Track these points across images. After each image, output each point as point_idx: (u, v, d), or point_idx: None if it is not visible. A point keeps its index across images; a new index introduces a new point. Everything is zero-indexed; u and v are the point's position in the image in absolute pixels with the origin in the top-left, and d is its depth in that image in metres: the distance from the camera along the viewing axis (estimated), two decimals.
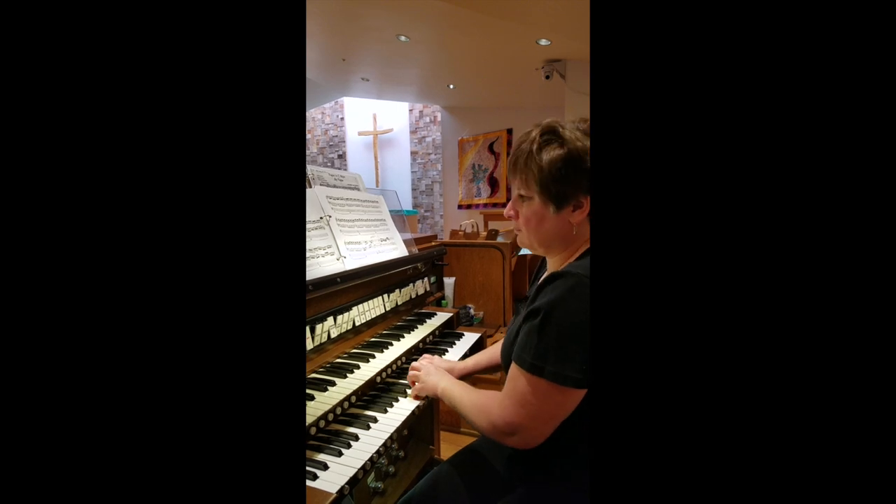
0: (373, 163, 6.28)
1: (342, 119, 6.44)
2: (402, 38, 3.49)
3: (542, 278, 0.73)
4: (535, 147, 0.72)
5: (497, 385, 1.94)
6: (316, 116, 6.57)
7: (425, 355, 1.09)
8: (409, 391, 0.97)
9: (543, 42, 3.42)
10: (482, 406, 0.76)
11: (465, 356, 1.25)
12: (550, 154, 0.71)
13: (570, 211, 0.72)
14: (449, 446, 1.69)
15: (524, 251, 2.34)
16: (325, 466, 0.70)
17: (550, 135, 0.72)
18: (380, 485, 1.30)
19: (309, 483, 0.66)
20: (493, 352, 1.10)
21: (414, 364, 0.99)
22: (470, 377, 1.06)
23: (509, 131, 5.45)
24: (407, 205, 6.16)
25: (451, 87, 4.89)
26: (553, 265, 0.81)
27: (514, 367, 0.71)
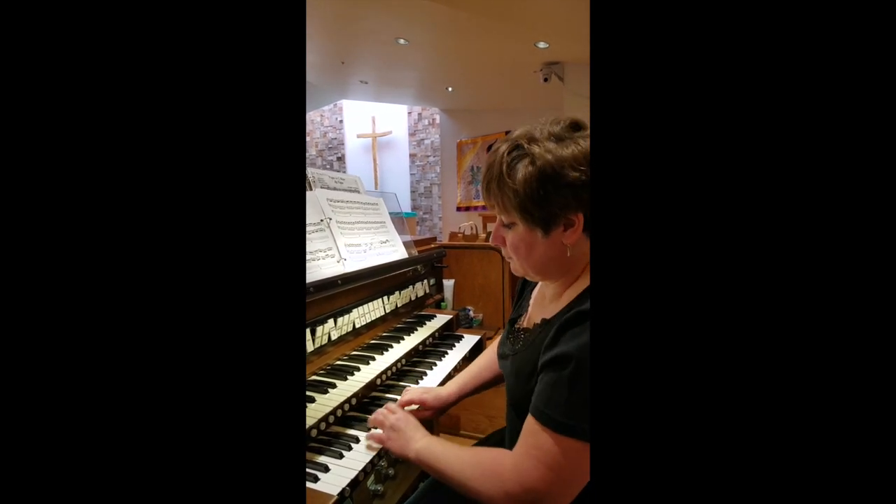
0: (371, 165, 6.28)
1: (341, 122, 6.45)
2: (401, 40, 3.50)
3: (567, 318, 0.61)
4: (504, 168, 0.63)
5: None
6: (315, 119, 6.58)
7: (389, 405, 0.86)
8: (369, 434, 0.79)
9: (542, 45, 3.44)
10: (488, 469, 0.63)
11: (464, 359, 1.25)
12: (523, 173, 0.61)
13: (560, 232, 0.64)
14: None
15: None
16: (326, 468, 0.70)
17: (517, 151, 0.63)
18: (379, 487, 1.29)
19: (310, 485, 0.66)
20: (486, 363, 0.97)
21: (378, 414, 0.81)
22: (468, 396, 0.96)
23: (508, 133, 5.45)
24: (406, 207, 6.16)
25: (450, 89, 4.90)
26: (556, 290, 0.72)
27: (533, 423, 0.60)
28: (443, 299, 1.75)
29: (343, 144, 6.48)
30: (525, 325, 0.79)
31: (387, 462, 1.33)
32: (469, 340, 1.36)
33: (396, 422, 0.77)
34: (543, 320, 0.70)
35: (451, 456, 0.68)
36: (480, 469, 0.63)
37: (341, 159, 6.51)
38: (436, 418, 0.89)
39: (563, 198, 0.61)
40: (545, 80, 3.86)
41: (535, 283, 0.83)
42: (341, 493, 0.65)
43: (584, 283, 0.67)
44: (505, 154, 0.64)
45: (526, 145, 0.63)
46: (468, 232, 2.68)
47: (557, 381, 0.59)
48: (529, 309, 0.81)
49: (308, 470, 0.69)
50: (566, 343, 0.59)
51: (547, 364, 0.61)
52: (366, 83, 4.91)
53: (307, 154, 6.64)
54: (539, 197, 0.61)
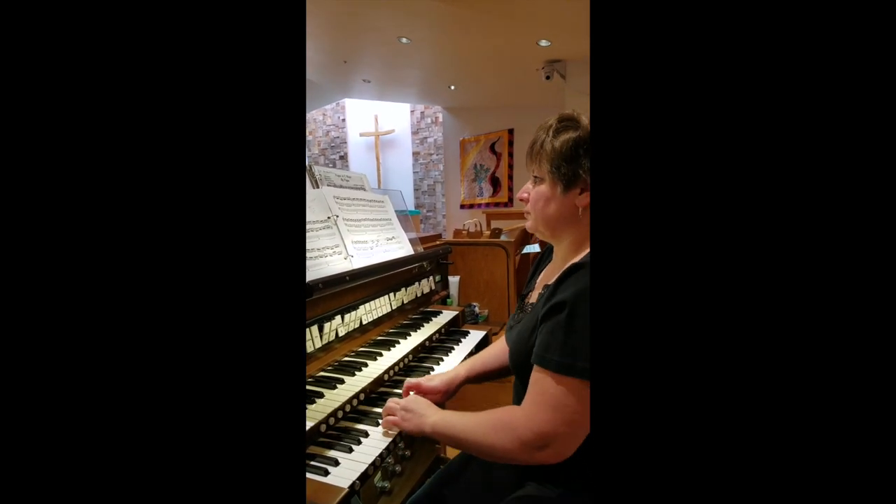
0: (374, 164, 6.29)
1: (343, 120, 6.45)
2: (404, 39, 3.51)
3: (563, 271, 0.68)
4: (551, 132, 0.74)
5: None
6: (317, 118, 6.59)
7: (396, 399, 0.86)
8: (381, 422, 0.81)
9: (544, 43, 3.43)
10: (500, 423, 0.67)
11: (470, 354, 1.25)
12: (566, 136, 0.72)
13: (576, 193, 0.73)
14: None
15: (528, 249, 2.34)
16: (336, 462, 0.70)
17: (567, 121, 0.74)
18: (386, 484, 1.30)
19: (320, 478, 0.67)
20: (495, 352, 1.00)
21: (389, 402, 0.84)
22: (475, 382, 0.97)
23: (510, 131, 5.46)
24: (409, 205, 6.16)
25: (453, 87, 4.90)
26: (561, 253, 0.80)
27: (537, 372, 0.66)
28: (448, 296, 1.75)
29: (345, 143, 6.49)
30: (532, 299, 0.83)
31: (393, 459, 1.34)
32: (475, 336, 1.36)
33: (408, 403, 0.81)
34: (546, 286, 0.75)
35: (466, 421, 0.71)
36: (493, 425, 0.68)
37: (344, 158, 6.52)
38: (445, 401, 0.91)
39: (588, 161, 0.71)
40: (547, 77, 3.86)
41: (547, 263, 0.88)
42: (351, 487, 0.65)
43: (585, 250, 0.75)
44: (556, 122, 0.75)
45: (576, 117, 0.74)
46: (472, 229, 2.68)
47: (555, 327, 0.64)
48: (537, 285, 0.85)
49: (318, 464, 0.70)
50: (562, 293, 0.65)
51: (545, 315, 0.67)
52: (368, 82, 4.92)
53: (309, 153, 6.65)
54: (570, 156, 0.72)
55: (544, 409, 0.63)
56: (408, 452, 1.44)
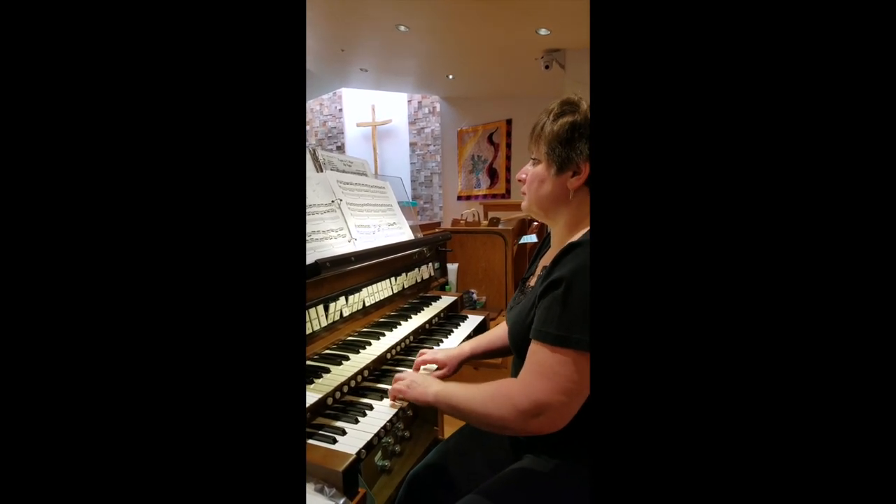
0: (371, 154, 6.28)
1: (340, 110, 6.42)
2: (402, 27, 3.49)
3: (560, 250, 0.70)
4: (552, 116, 0.77)
5: (500, 372, 1.97)
6: (314, 108, 6.55)
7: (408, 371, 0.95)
8: (388, 397, 0.86)
9: (543, 31, 3.43)
10: (498, 393, 0.70)
11: (468, 337, 1.28)
12: (563, 119, 0.76)
13: (568, 176, 0.75)
14: (452, 429, 1.73)
15: (525, 239, 2.37)
16: (343, 432, 0.74)
17: (568, 105, 0.77)
18: (386, 463, 1.34)
19: (329, 446, 0.70)
20: (499, 333, 1.05)
21: (397, 376, 0.89)
22: (479, 359, 1.05)
23: (509, 122, 5.45)
24: (407, 196, 6.16)
25: (451, 77, 4.88)
26: (557, 235, 0.82)
27: (534, 345, 0.69)
28: (447, 282, 1.78)
29: (343, 133, 6.46)
30: (532, 283, 0.86)
31: (393, 439, 1.37)
32: (473, 320, 1.39)
33: (414, 376, 0.86)
34: (544, 268, 0.77)
35: (466, 391, 0.75)
36: (492, 395, 0.71)
37: (341, 148, 6.49)
38: (451, 375, 0.98)
39: (581, 147, 0.74)
40: (546, 67, 3.85)
41: (547, 250, 0.89)
42: (358, 454, 0.68)
43: (580, 230, 0.77)
44: (557, 106, 0.78)
45: (577, 102, 0.78)
46: (471, 219, 2.70)
47: (552, 303, 0.67)
48: (537, 269, 0.87)
49: (326, 433, 0.73)
50: (559, 270, 0.68)
51: (542, 292, 0.70)
52: (366, 71, 4.89)
53: (307, 143, 6.61)
54: (565, 139, 0.75)
55: (540, 378, 0.66)
56: (407, 433, 1.47)
